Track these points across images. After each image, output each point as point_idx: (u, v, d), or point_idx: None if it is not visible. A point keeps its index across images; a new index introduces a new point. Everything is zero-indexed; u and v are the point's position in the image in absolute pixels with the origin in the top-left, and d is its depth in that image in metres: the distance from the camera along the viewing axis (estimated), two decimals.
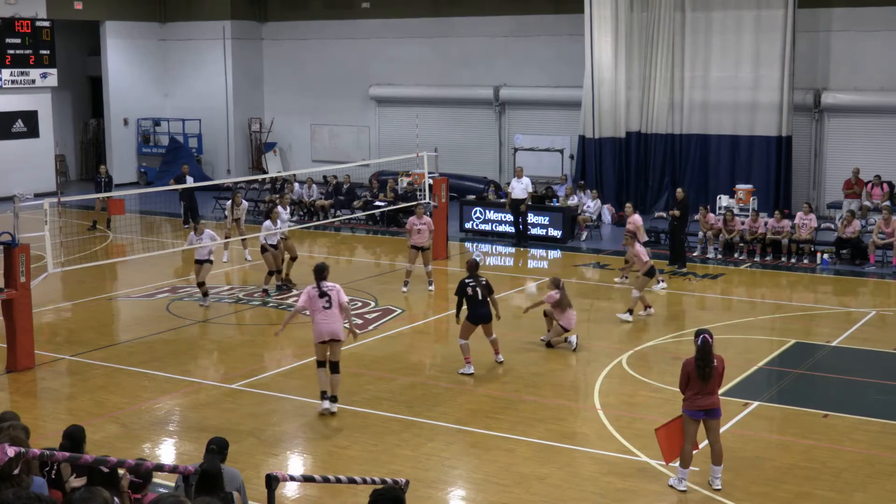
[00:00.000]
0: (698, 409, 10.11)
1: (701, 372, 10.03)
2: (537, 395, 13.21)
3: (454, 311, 14.45)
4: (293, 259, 19.41)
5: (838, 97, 26.40)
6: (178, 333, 16.36)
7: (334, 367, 12.37)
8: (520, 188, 24.14)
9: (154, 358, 14.89)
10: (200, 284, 17.82)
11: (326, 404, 12.33)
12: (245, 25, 34.78)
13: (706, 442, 10.40)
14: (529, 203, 24.25)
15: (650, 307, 17.28)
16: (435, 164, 23.08)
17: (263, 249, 18.73)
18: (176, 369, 14.31)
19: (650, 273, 17.27)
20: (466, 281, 13.95)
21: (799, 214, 22.40)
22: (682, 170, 27.45)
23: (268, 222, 18.73)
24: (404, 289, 18.74)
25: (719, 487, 10.21)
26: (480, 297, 13.89)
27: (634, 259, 17.62)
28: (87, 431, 8.12)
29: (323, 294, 12.27)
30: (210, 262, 17.92)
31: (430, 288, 18.96)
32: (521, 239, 24.18)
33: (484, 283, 14.02)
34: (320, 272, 12.44)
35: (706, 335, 10.13)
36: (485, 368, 14.34)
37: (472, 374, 13.90)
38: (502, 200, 25.37)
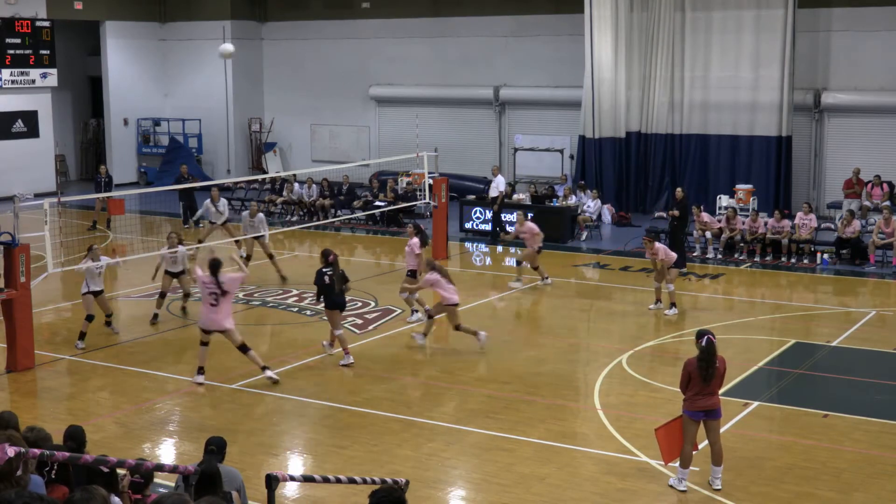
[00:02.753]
0: (699, 409, 10.11)
1: (704, 373, 10.01)
2: (537, 395, 13.21)
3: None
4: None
5: (838, 97, 26.39)
6: (178, 333, 16.36)
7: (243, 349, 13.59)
8: (492, 186, 24.43)
9: (154, 358, 14.89)
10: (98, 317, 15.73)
11: (200, 378, 13.52)
12: (245, 25, 34.76)
13: (706, 442, 10.39)
14: (506, 200, 24.56)
15: (660, 302, 17.44)
16: (435, 164, 23.12)
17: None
18: (176, 369, 14.31)
19: (680, 264, 17.22)
20: (324, 270, 14.41)
21: (799, 214, 22.39)
22: (682, 170, 27.44)
23: (182, 248, 17.01)
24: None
25: (719, 487, 10.21)
26: (337, 288, 14.34)
27: (657, 260, 17.29)
28: (87, 431, 8.11)
29: (213, 292, 13.28)
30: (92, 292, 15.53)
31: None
32: (495, 237, 24.44)
33: (340, 273, 14.48)
34: (215, 268, 13.28)
35: (710, 336, 10.12)
36: (485, 368, 14.34)
37: (352, 363, 14.23)
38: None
